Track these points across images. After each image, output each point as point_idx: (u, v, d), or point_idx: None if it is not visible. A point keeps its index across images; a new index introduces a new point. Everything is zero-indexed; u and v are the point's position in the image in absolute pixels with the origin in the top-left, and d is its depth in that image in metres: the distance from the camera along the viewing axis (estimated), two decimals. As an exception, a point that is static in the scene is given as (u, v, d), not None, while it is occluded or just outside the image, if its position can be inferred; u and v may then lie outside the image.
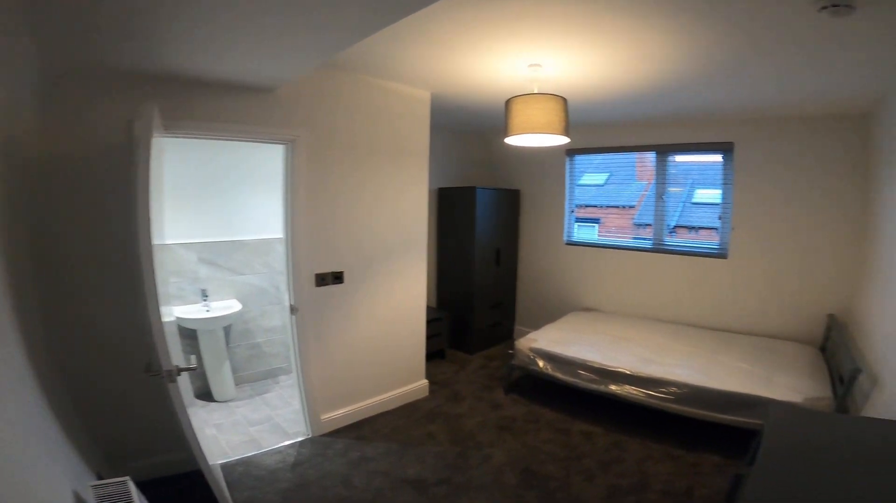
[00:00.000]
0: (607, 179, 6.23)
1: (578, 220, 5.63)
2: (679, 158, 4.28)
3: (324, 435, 3.10)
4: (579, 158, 4.81)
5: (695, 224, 4.66)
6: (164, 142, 2.42)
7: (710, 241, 4.14)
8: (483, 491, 2.55)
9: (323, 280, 2.97)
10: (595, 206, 6.23)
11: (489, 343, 4.96)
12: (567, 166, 4.81)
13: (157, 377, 1.77)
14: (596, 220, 6.58)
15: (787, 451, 1.58)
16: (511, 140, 2.70)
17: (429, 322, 4.01)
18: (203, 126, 2.45)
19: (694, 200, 4.77)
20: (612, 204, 5.88)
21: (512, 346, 3.78)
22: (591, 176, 5.98)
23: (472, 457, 2.88)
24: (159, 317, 1.72)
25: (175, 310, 3.33)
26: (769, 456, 1.54)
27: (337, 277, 3.04)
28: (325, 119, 2.87)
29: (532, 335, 3.81)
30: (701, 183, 4.41)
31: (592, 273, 4.71)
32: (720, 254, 3.98)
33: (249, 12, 1.56)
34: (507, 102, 2.62)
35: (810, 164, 3.52)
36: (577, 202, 4.99)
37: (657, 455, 2.87)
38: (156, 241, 1.82)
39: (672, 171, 4.31)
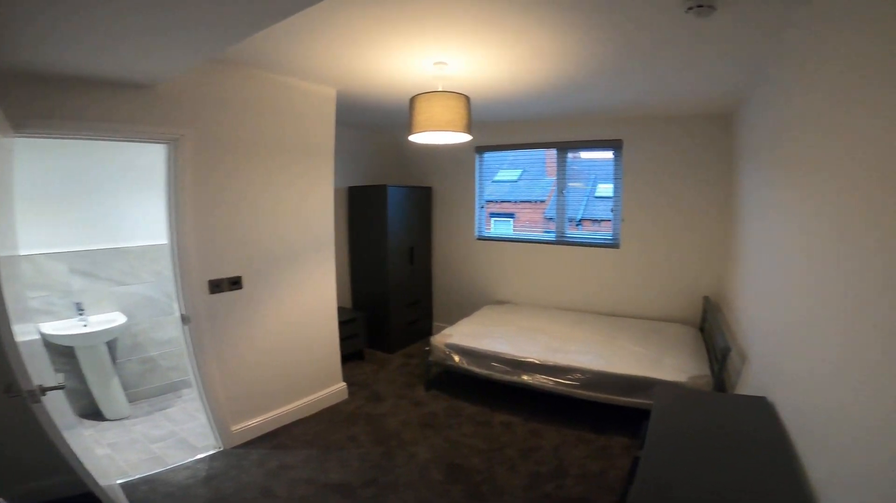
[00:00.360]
0: (520, 176, 6.48)
1: (494, 215, 5.77)
2: (582, 154, 4.56)
3: (237, 446, 2.92)
4: (489, 155, 4.94)
5: (598, 217, 5.00)
6: (16, 142, 2.12)
7: (606, 232, 4.46)
8: (410, 489, 2.55)
9: (218, 286, 2.76)
10: (509, 202, 6.47)
11: (408, 341, 4.95)
12: (477, 163, 4.92)
13: (18, 398, 1.57)
14: (511, 215, 6.83)
15: (672, 432, 1.74)
16: (415, 137, 2.70)
17: (343, 323, 3.95)
18: (64, 125, 2.16)
19: (597, 195, 5.11)
20: (525, 199, 6.12)
21: (429, 343, 3.80)
22: (506, 172, 6.17)
23: (397, 457, 2.86)
24: (11, 334, 1.51)
25: (44, 327, 2.96)
26: (656, 437, 1.68)
27: (234, 283, 2.85)
28: (217, 116, 2.68)
29: (447, 331, 3.86)
30: (603, 178, 4.72)
31: (503, 266, 4.88)
32: (613, 244, 4.31)
33: (113, 9, 1.42)
34: (411, 100, 2.62)
35: (687, 159, 3.92)
36: (493, 198, 5.14)
37: (571, 440, 3.03)
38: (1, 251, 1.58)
39: (576, 167, 4.60)
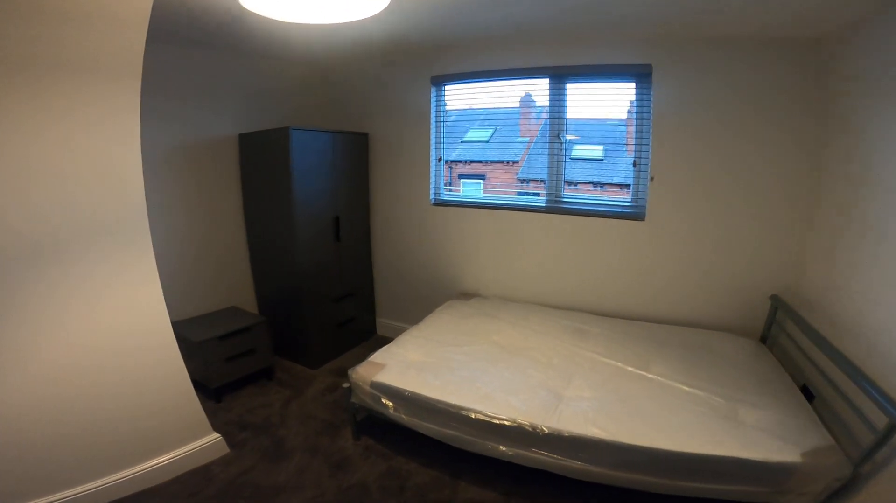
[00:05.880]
0: (492, 136, 5.41)
1: (464, 176, 4.55)
2: (579, 89, 3.09)
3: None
4: (452, 92, 3.40)
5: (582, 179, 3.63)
6: None
7: (619, 197, 3.10)
8: None
9: None
10: (480, 162, 5.39)
11: (341, 348, 3.56)
12: (433, 99, 3.39)
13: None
14: (481, 177, 5.77)
15: None
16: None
17: (229, 336, 2.79)
18: None
19: (573, 156, 3.79)
20: (497, 159, 5.02)
21: (356, 370, 2.40)
22: (476, 132, 5.14)
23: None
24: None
25: None
26: None
27: None
28: None
29: (378, 356, 2.47)
30: (588, 138, 3.36)
31: (471, 242, 3.46)
32: (635, 214, 2.93)
33: None
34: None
35: (752, 98, 2.53)
36: (463, 158, 3.70)
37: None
38: None
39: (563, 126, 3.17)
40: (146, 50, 1.81)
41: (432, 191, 3.52)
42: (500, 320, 2.91)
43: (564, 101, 3.09)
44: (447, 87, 3.36)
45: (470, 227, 3.42)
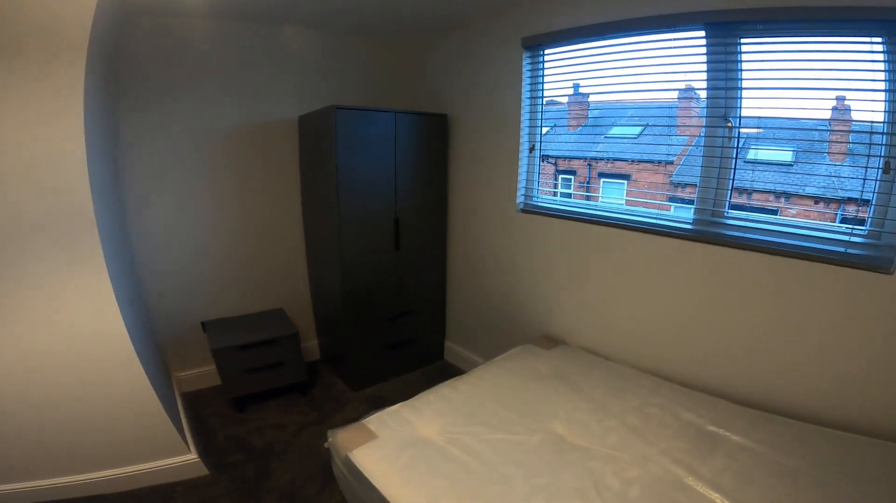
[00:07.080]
0: (641, 132, 4.31)
1: (604, 175, 3.63)
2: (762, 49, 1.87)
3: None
4: (553, 58, 2.44)
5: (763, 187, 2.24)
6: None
7: (831, 224, 1.79)
8: None
9: None
10: (625, 161, 4.31)
11: (391, 371, 2.98)
12: (526, 68, 2.49)
13: None
14: (626, 177, 4.66)
15: None
16: None
17: (256, 345, 2.47)
18: None
19: (749, 158, 2.40)
20: (646, 159, 3.91)
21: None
22: (622, 128, 4.18)
23: None
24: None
25: None
26: None
27: None
28: None
29: (375, 420, 1.74)
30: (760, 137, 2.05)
31: (566, 268, 2.46)
32: (873, 258, 1.58)
33: None
34: None
35: None
36: (606, 156, 2.75)
37: None
38: None
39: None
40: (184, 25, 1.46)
41: (521, 193, 2.64)
42: (578, 393, 1.93)
43: (738, 65, 1.92)
44: (547, 52, 2.43)
45: (567, 246, 2.45)
